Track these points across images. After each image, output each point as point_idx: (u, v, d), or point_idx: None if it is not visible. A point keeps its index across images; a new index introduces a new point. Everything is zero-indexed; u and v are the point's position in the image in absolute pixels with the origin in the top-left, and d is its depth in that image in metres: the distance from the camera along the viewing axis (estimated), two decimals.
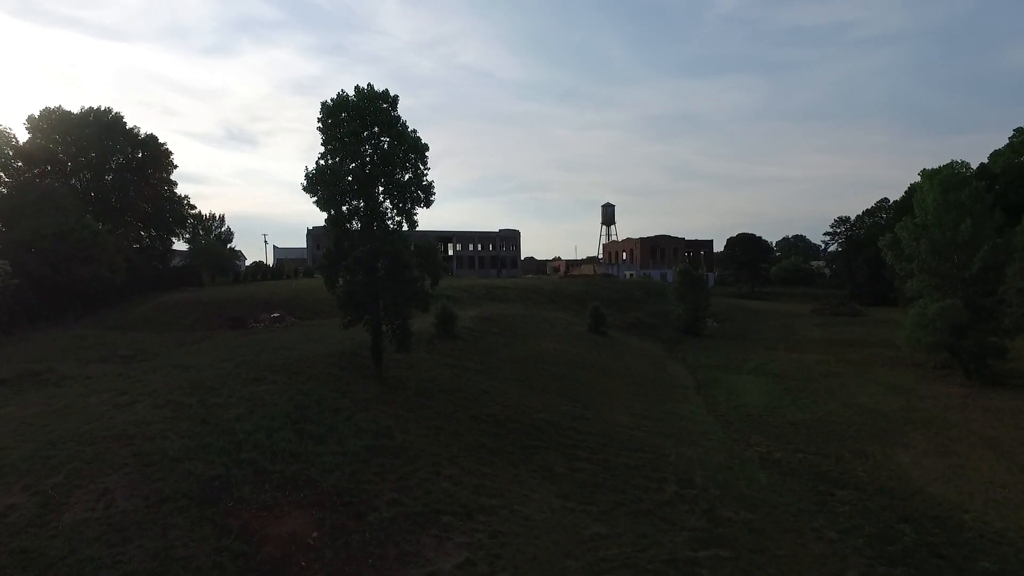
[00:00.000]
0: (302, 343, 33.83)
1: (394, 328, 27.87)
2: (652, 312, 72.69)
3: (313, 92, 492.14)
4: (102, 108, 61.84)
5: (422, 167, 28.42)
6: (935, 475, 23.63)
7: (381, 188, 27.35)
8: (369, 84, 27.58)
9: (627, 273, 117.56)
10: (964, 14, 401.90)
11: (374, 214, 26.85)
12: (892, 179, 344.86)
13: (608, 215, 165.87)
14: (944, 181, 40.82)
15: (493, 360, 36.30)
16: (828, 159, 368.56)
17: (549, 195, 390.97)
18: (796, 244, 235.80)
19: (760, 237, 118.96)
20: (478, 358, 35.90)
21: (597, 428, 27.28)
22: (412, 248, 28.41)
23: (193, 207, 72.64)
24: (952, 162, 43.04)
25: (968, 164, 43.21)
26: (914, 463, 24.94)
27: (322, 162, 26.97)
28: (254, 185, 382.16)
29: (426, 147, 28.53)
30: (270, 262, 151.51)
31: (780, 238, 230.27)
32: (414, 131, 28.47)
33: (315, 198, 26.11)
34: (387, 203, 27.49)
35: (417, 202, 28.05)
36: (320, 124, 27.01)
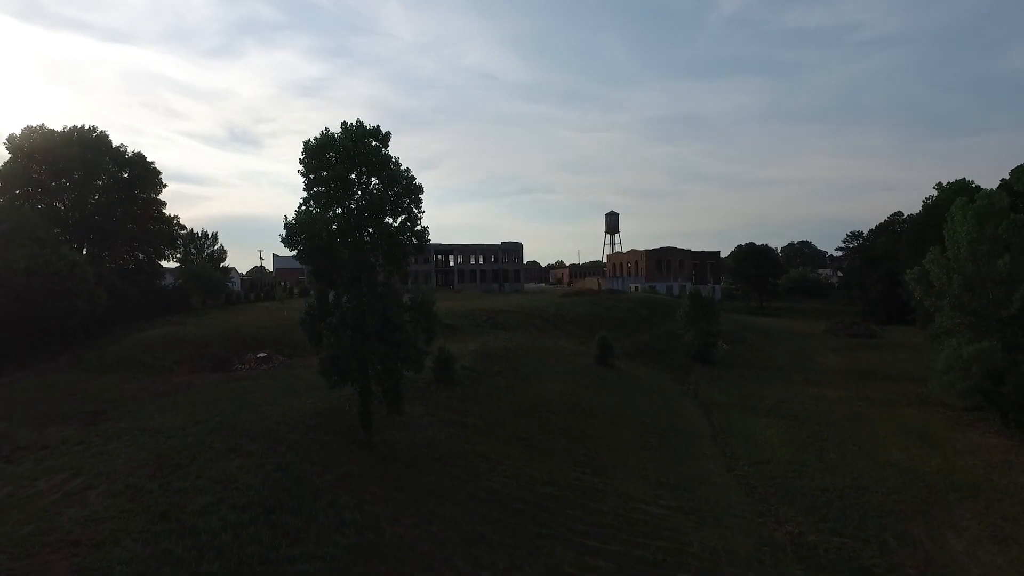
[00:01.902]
0: (286, 395, 31.14)
1: (385, 389, 25.18)
2: (659, 334, 69.71)
3: (317, 93, 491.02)
4: (86, 127, 59.40)
5: (416, 210, 25.76)
6: (995, 573, 20.82)
7: (369, 238, 24.68)
8: (358, 120, 24.94)
9: (632, 286, 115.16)
10: (965, 16, 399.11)
11: (362, 267, 24.14)
12: (896, 181, 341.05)
13: (612, 223, 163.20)
14: (979, 213, 38.00)
15: (494, 412, 33.55)
16: (831, 161, 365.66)
17: (552, 197, 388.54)
18: (802, 251, 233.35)
19: (769, 248, 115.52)
20: (478, 410, 33.16)
21: (610, 505, 24.52)
22: (406, 301, 25.70)
23: (183, 227, 70.09)
24: (988, 192, 40.24)
25: (1004, 194, 40.28)
26: (968, 554, 22.10)
27: (304, 208, 24.32)
28: (257, 187, 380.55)
29: (420, 188, 25.88)
30: (270, 269, 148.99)
31: (785, 243, 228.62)
32: (407, 169, 25.85)
33: (295, 251, 23.44)
34: (377, 254, 24.84)
35: (410, 251, 25.40)
36: (302, 167, 24.35)
